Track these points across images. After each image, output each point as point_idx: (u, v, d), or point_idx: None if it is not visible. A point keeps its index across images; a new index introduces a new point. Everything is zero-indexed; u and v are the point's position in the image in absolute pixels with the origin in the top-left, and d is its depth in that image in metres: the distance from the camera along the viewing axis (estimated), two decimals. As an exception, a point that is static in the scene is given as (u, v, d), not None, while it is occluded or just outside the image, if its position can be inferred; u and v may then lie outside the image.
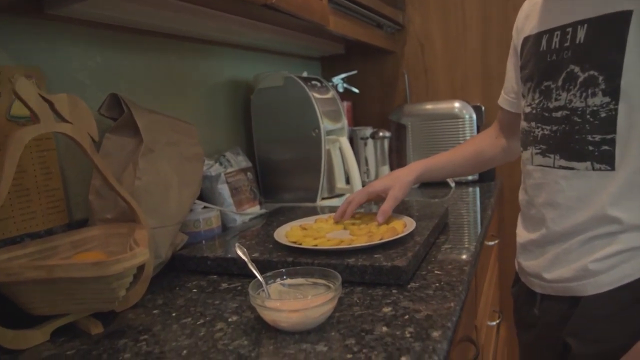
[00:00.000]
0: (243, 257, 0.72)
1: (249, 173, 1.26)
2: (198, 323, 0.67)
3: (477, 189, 1.55)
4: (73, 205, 0.89)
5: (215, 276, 0.87)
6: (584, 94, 0.72)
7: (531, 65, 0.82)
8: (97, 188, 0.82)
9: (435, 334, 0.58)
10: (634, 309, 0.71)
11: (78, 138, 0.70)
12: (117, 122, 0.83)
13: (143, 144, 0.80)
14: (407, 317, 0.64)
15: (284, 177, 1.36)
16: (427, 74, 1.87)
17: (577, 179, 0.74)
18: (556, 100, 0.76)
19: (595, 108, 0.71)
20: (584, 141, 0.73)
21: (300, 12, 1.00)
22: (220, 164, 1.18)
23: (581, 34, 0.72)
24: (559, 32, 0.76)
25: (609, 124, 0.70)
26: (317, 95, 1.31)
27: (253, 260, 0.84)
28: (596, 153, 0.72)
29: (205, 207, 1.09)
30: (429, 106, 1.67)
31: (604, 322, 0.73)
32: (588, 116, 0.72)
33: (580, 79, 0.72)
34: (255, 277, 0.68)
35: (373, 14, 1.54)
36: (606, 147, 0.71)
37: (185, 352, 0.59)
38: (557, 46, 0.76)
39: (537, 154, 0.81)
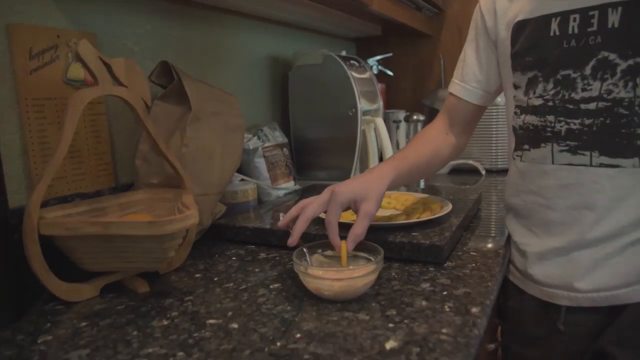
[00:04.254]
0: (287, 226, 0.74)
1: (284, 149, 1.27)
2: (240, 288, 0.70)
3: (509, 178, 1.54)
4: (119, 169, 0.92)
5: (253, 246, 0.90)
6: (631, 84, 0.67)
7: (538, 52, 0.75)
8: (144, 153, 0.84)
9: (475, 310, 0.59)
10: None
11: (132, 102, 0.72)
12: (167, 90, 0.85)
13: (192, 111, 0.82)
14: (445, 293, 0.65)
15: (318, 155, 1.37)
16: (464, 59, 1.85)
17: (622, 178, 0.70)
18: (584, 90, 0.71)
19: None
20: (632, 135, 0.68)
21: (347, -11, 0.99)
22: (259, 138, 1.19)
23: (614, 19, 0.67)
24: (576, 16, 0.70)
25: None
26: (355, 75, 1.31)
27: (291, 232, 0.86)
28: None
29: (242, 180, 1.11)
30: (465, 92, 1.65)
31: None
32: (637, 108, 0.67)
33: (622, 67, 0.67)
34: (295, 249, 0.70)
35: (414, -5, 1.53)
36: None
37: (230, 313, 0.61)
38: (576, 31, 0.70)
39: (562, 151, 0.74)
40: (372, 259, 0.68)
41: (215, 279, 0.74)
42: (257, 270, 0.77)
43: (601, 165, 0.71)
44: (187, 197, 0.73)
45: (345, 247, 0.67)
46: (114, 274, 0.71)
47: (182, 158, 0.81)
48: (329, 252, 0.72)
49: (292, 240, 0.68)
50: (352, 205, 0.72)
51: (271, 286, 0.70)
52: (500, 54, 0.84)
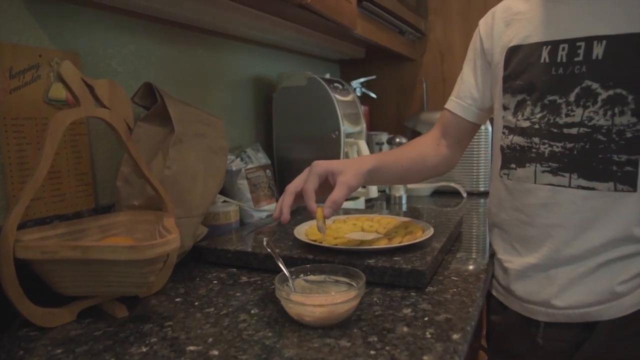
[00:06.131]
0: (271, 251, 0.73)
1: (267, 170, 1.27)
2: (221, 313, 0.69)
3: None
4: (100, 190, 0.91)
5: (234, 269, 0.89)
6: (610, 112, 0.71)
7: (528, 77, 0.79)
8: (125, 175, 0.84)
9: (456, 336, 0.59)
10: None
11: (115, 124, 0.71)
12: (150, 111, 0.85)
13: (174, 133, 0.81)
14: (426, 319, 0.65)
15: (301, 176, 1.37)
16: (445, 83, 1.88)
17: (596, 200, 0.74)
18: (568, 116, 0.75)
19: (622, 127, 0.71)
20: (608, 161, 0.72)
21: (332, 14, 1.01)
22: (241, 159, 1.19)
23: (599, 51, 0.71)
24: (565, 46, 0.75)
25: (637, 144, 0.70)
26: (339, 97, 1.32)
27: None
28: (619, 174, 0.72)
29: (225, 201, 1.10)
30: (446, 115, 1.68)
31: (628, 342, 0.75)
32: (614, 135, 0.71)
33: (603, 97, 0.72)
34: (277, 272, 0.69)
35: (397, 20, 1.56)
36: (629, 168, 0.71)
37: (211, 339, 0.60)
38: (564, 60, 0.75)
39: (544, 172, 0.78)
40: (354, 284, 0.68)
41: (196, 303, 0.73)
42: (238, 294, 0.76)
43: (579, 187, 0.75)
44: (169, 220, 0.72)
45: (321, 213, 0.68)
46: (92, 298, 0.69)
47: (164, 180, 0.80)
48: (310, 277, 0.72)
49: (284, 218, 0.73)
50: (330, 177, 0.76)
51: (252, 311, 0.69)
52: (493, 76, 0.88)
